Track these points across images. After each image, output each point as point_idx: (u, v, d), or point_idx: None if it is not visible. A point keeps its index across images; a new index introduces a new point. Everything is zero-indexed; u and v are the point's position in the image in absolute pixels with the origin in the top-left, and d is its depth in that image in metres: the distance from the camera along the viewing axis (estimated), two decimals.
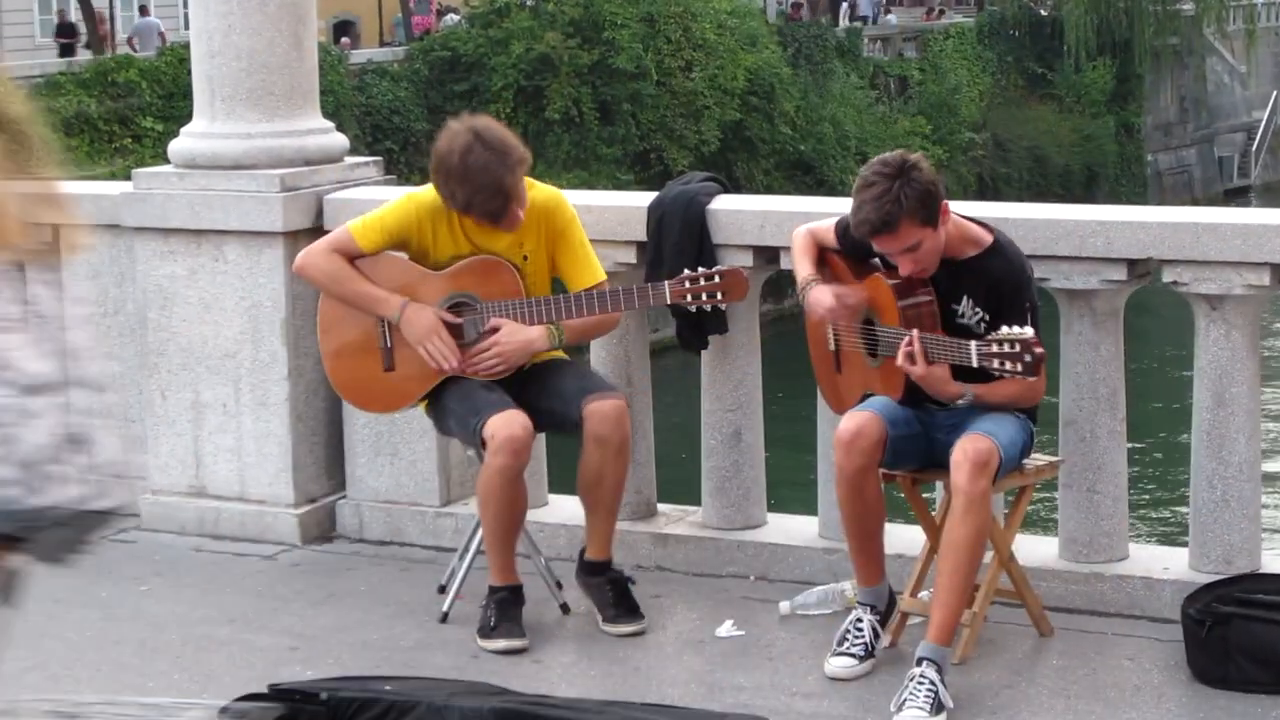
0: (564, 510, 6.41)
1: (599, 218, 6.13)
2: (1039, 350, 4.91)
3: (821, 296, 5.32)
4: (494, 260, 5.61)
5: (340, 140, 6.89)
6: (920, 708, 4.85)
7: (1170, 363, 24.17)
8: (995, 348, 4.95)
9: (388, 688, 4.81)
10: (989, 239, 5.24)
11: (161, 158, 8.64)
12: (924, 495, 5.48)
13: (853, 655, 5.23)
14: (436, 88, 31.64)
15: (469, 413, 5.50)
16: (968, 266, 5.21)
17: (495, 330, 5.57)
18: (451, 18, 36.82)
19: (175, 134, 6.94)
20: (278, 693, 4.83)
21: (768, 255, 6.05)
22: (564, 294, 5.62)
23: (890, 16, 46.53)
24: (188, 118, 6.88)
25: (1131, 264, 5.58)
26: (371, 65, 31.45)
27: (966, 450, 5.01)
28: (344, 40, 38.66)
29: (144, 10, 38.11)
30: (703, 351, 6.19)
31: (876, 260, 5.32)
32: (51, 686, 5.30)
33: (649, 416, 6.40)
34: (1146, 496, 19.38)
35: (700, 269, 5.59)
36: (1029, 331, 4.94)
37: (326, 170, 6.72)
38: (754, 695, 5.11)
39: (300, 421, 6.62)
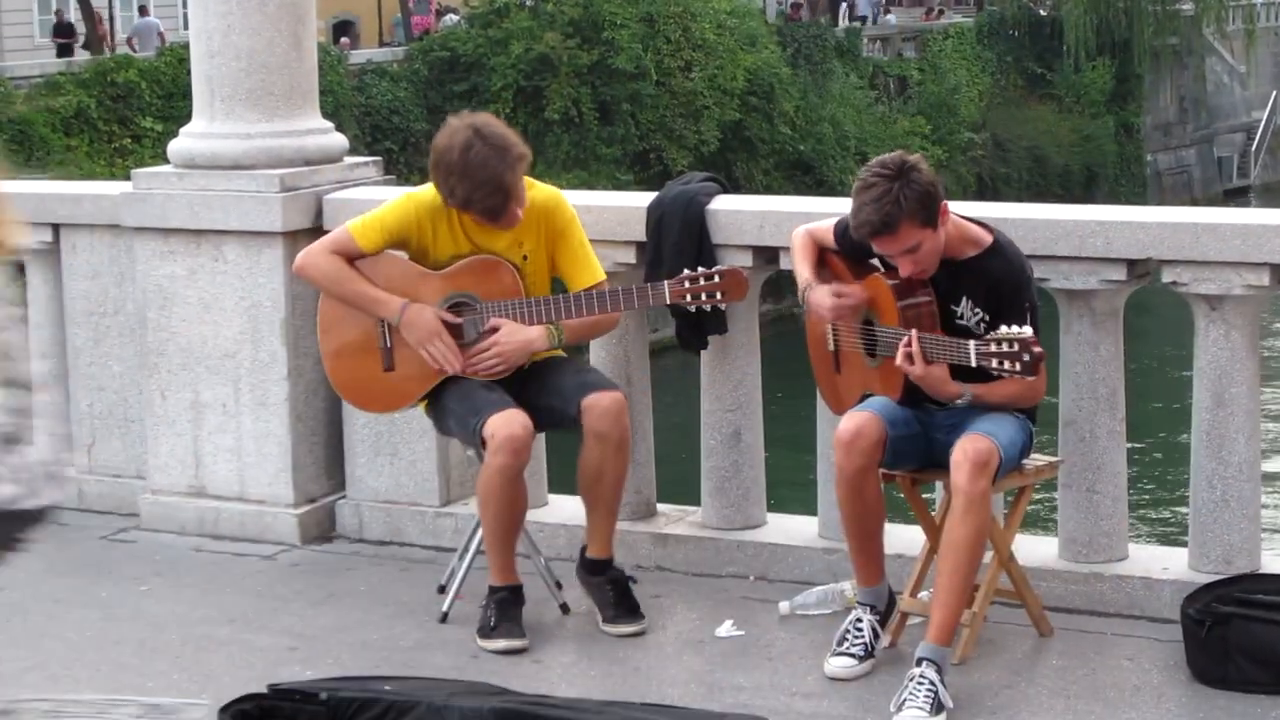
0: (564, 510, 6.41)
1: (599, 218, 6.14)
2: (1037, 350, 4.91)
3: (822, 299, 5.32)
4: (494, 260, 5.61)
5: (340, 140, 6.90)
6: (920, 708, 4.85)
7: (1170, 363, 24.18)
8: (994, 347, 4.95)
9: (387, 688, 4.81)
10: (989, 239, 5.25)
11: (161, 158, 8.65)
12: (924, 495, 5.48)
13: (852, 655, 5.23)
14: (436, 88, 31.65)
15: (469, 412, 5.50)
16: (967, 267, 5.21)
17: (495, 330, 5.57)
18: (451, 18, 36.83)
19: (175, 134, 6.94)
20: (278, 693, 4.84)
21: (767, 255, 6.05)
22: (563, 294, 5.62)
23: (890, 16, 46.52)
24: (187, 118, 6.88)
25: (1131, 264, 5.58)
26: (371, 65, 31.46)
27: (966, 450, 5.01)
28: (343, 40, 38.66)
29: (143, 10, 38.11)
30: (702, 351, 6.19)
31: (876, 260, 5.32)
32: (51, 686, 5.30)
33: (649, 416, 6.40)
34: (1146, 496, 19.38)
35: (700, 269, 5.59)
36: (1027, 331, 4.94)
37: (326, 170, 6.72)
38: (754, 695, 5.11)
39: (300, 421, 6.62)
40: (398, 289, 5.61)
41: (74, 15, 36.94)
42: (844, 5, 46.01)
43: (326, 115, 7.00)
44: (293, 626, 5.79)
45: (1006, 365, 4.93)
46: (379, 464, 6.66)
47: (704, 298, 5.52)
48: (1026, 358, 4.91)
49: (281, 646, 5.61)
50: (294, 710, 4.75)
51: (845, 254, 5.42)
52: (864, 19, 44.87)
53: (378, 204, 5.88)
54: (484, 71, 31.80)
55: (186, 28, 7.87)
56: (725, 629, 5.62)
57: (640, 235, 6.15)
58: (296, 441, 6.62)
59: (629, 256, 6.20)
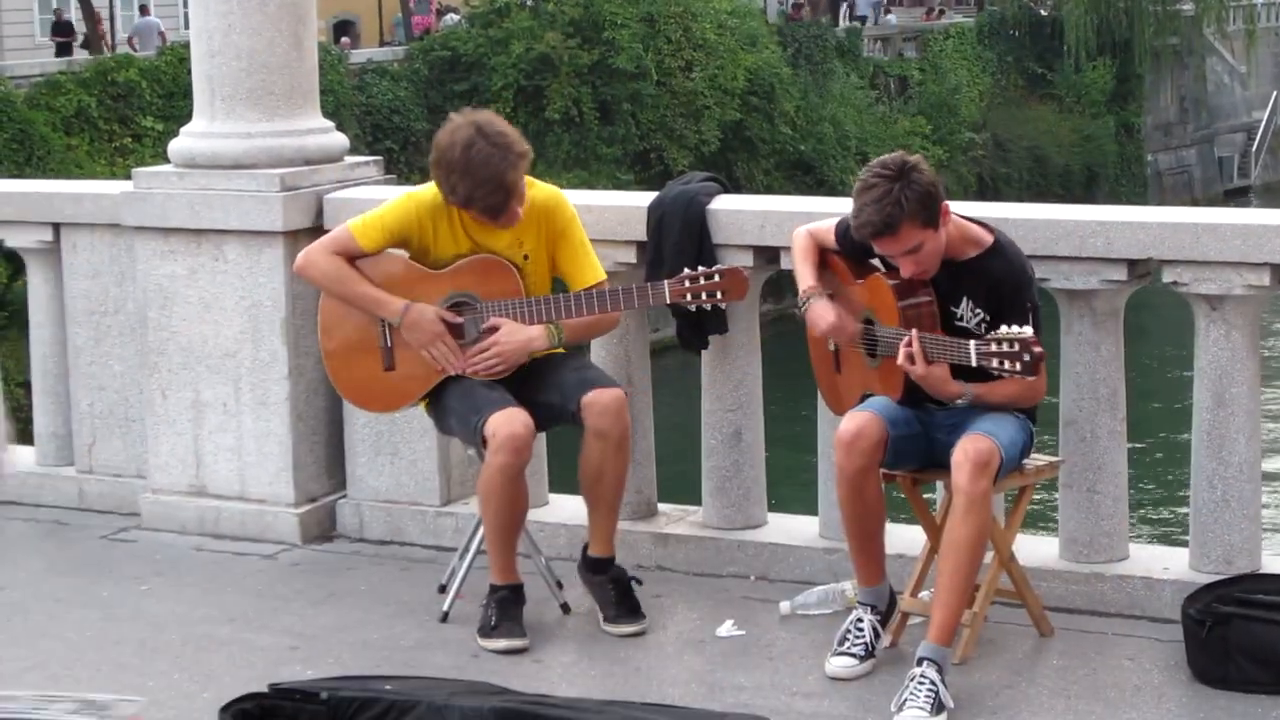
0: (564, 509, 6.41)
1: (599, 217, 6.14)
2: (1038, 350, 4.91)
3: (824, 312, 5.33)
4: (494, 259, 5.61)
5: (340, 140, 6.90)
6: (921, 708, 4.85)
7: (1170, 362, 24.18)
8: (994, 347, 4.95)
9: (388, 687, 4.81)
10: (989, 239, 5.25)
11: (161, 157, 8.65)
12: (924, 495, 5.48)
13: (853, 655, 5.23)
14: (436, 87, 31.65)
15: (470, 411, 5.50)
16: (968, 267, 5.21)
17: (494, 329, 5.56)
18: (451, 17, 36.82)
19: (175, 133, 6.94)
20: (278, 692, 4.83)
21: (768, 255, 6.05)
22: (563, 293, 5.62)
23: (890, 16, 46.53)
24: (188, 117, 6.88)
25: (1131, 264, 5.58)
26: (371, 65, 31.47)
27: (967, 450, 5.01)
28: (344, 40, 38.66)
29: (144, 10, 38.11)
30: (703, 351, 6.19)
31: (877, 260, 5.32)
32: (51, 686, 5.30)
33: (649, 416, 6.40)
34: (1147, 496, 19.39)
35: (700, 268, 5.58)
36: (1028, 331, 4.94)
37: (326, 170, 6.72)
38: (754, 695, 5.11)
39: (300, 421, 6.62)
40: (398, 288, 5.61)
41: (74, 15, 36.94)
42: (844, 5, 45.99)
43: (327, 115, 7.00)
44: (293, 626, 5.79)
45: (1007, 365, 4.93)
46: (379, 463, 6.66)
47: (704, 297, 5.52)
48: (1027, 358, 4.91)
49: (282, 646, 5.61)
50: (295, 710, 4.75)
51: (846, 254, 5.42)
52: (864, 19, 44.86)
53: (378, 203, 5.88)
54: (484, 71, 31.81)
55: (187, 27, 7.86)
56: (726, 629, 5.62)
57: (641, 235, 6.15)
58: (297, 441, 6.62)
59: (629, 256, 6.20)
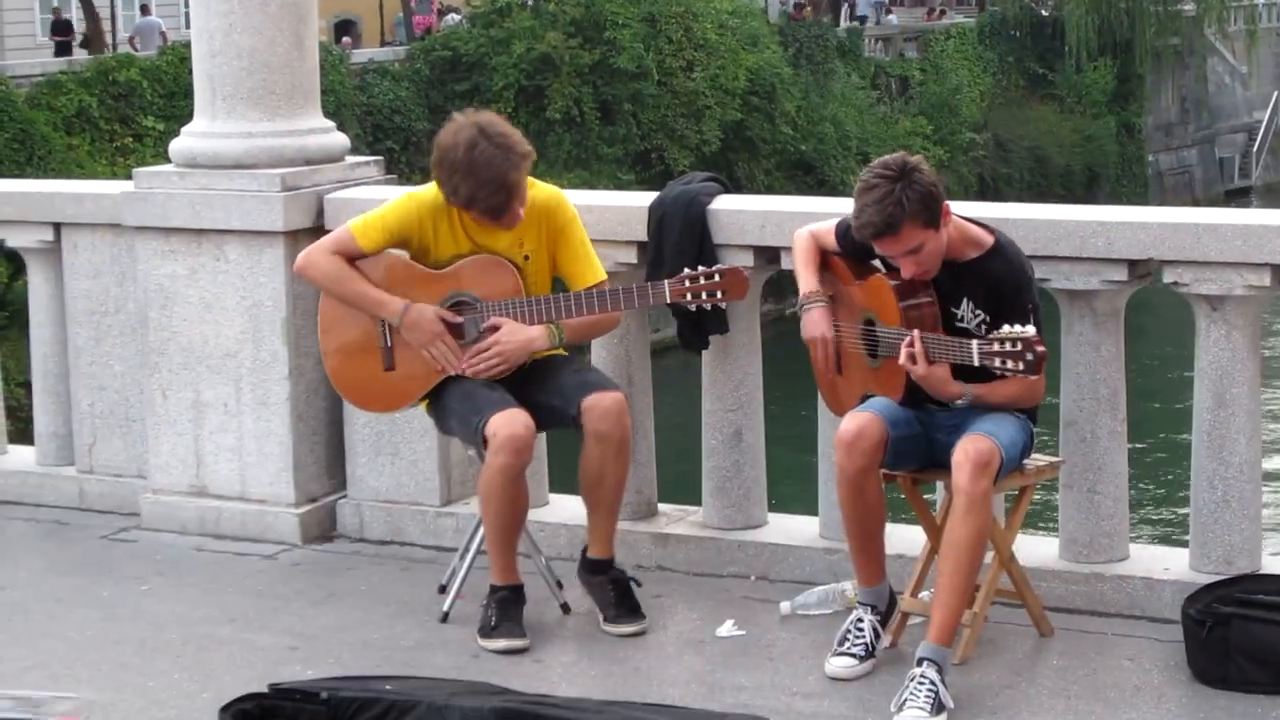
0: (565, 510, 6.41)
1: (600, 218, 6.14)
2: (1040, 349, 4.91)
3: (817, 321, 5.34)
4: (494, 259, 5.61)
5: (341, 140, 6.90)
6: (921, 708, 4.85)
7: (1171, 363, 24.17)
8: (997, 346, 4.95)
9: (388, 687, 4.81)
10: (990, 240, 5.25)
11: (162, 157, 8.65)
12: (925, 496, 5.48)
13: (853, 655, 5.23)
14: (437, 87, 31.66)
15: (470, 412, 5.50)
16: (969, 268, 5.21)
17: (495, 329, 5.56)
18: (453, 17, 36.84)
19: (176, 133, 6.94)
20: (279, 692, 4.84)
21: (768, 255, 6.05)
22: (563, 293, 5.62)
23: (891, 16, 46.53)
24: (189, 117, 6.88)
25: (1132, 264, 5.58)
26: (372, 65, 31.48)
27: (968, 451, 5.01)
28: (345, 40, 38.67)
29: (145, 9, 38.12)
30: (703, 351, 6.19)
31: (877, 261, 5.32)
32: (52, 686, 5.30)
33: (650, 416, 6.40)
34: (1147, 497, 19.38)
35: (700, 268, 5.58)
36: (1030, 330, 4.94)
37: (327, 170, 6.72)
38: (754, 695, 5.11)
39: (301, 421, 6.62)
40: (398, 288, 5.61)
41: (75, 14, 36.95)
42: (845, 5, 45.99)
43: (328, 115, 7.00)
44: (293, 626, 5.79)
45: (1010, 364, 4.93)
46: (380, 463, 6.66)
47: (704, 297, 5.51)
48: (1030, 356, 4.91)
49: (282, 646, 5.61)
50: (295, 710, 4.75)
51: (847, 255, 5.42)
52: (864, 19, 44.86)
53: (379, 203, 5.88)
54: (486, 71, 31.82)
55: (188, 27, 7.87)
56: (726, 629, 5.62)
57: (641, 235, 6.15)
58: (298, 441, 6.62)
59: (630, 256, 6.20)
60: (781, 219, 5.97)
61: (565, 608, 5.77)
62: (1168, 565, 5.73)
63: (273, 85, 6.60)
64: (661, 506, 6.48)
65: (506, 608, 5.54)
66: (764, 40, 35.30)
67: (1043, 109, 43.43)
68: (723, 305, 5.67)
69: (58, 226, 7.13)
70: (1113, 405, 5.71)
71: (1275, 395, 22.19)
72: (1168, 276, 5.55)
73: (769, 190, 31.47)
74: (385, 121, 30.50)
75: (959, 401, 5.17)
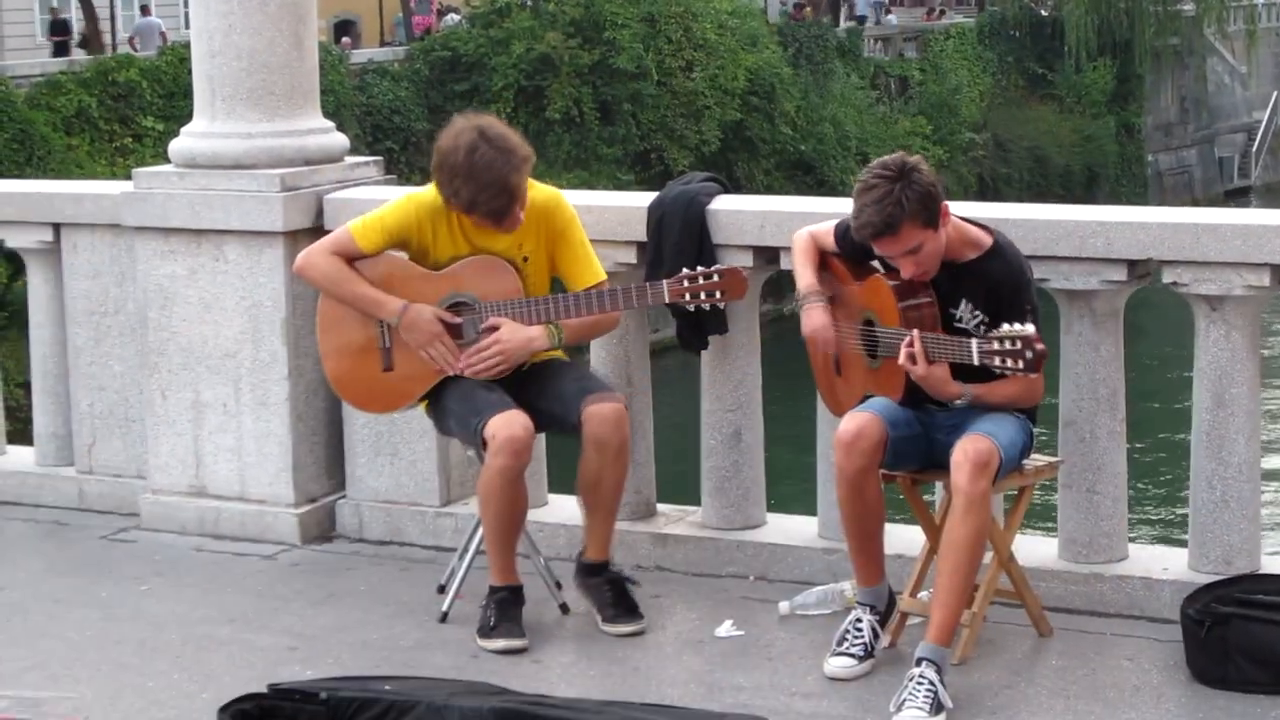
0: (564, 510, 6.41)
1: (599, 218, 6.14)
2: (1040, 347, 4.91)
3: (815, 316, 5.34)
4: (493, 260, 5.61)
5: (340, 140, 6.90)
6: (920, 708, 4.85)
7: (1170, 362, 24.17)
8: (996, 345, 4.95)
9: (387, 687, 4.81)
10: (989, 241, 5.25)
11: (162, 157, 8.65)
12: (924, 496, 5.49)
13: (852, 655, 5.23)
14: (437, 87, 31.66)
15: (470, 413, 5.50)
16: (968, 269, 5.21)
17: (495, 329, 5.56)
18: (452, 17, 36.83)
19: (176, 133, 6.94)
20: (278, 692, 4.84)
21: (768, 255, 6.05)
22: (562, 293, 5.62)
23: (891, 16, 46.54)
24: (188, 117, 6.88)
25: (1131, 264, 5.58)
26: (372, 65, 31.47)
27: (967, 451, 5.01)
28: (344, 40, 38.66)
29: (145, 10, 38.11)
30: (702, 352, 6.19)
31: (876, 262, 5.32)
32: (51, 686, 5.31)
33: (649, 416, 6.40)
34: (1146, 497, 19.38)
35: (699, 268, 5.58)
36: (1030, 328, 4.94)
37: (327, 170, 6.72)
38: (753, 695, 5.11)
39: (300, 421, 6.62)
40: (397, 289, 5.61)
41: (74, 14, 36.95)
42: (843, 6, 45.98)
43: (327, 115, 7.00)
44: (293, 626, 5.79)
45: (1009, 363, 4.93)
46: (379, 464, 6.66)
47: (703, 297, 5.51)
48: (1029, 355, 4.91)
49: (281, 646, 5.61)
50: (294, 710, 4.75)
51: (846, 255, 5.42)
52: (863, 19, 44.86)
53: (378, 204, 5.88)
54: (485, 71, 31.81)
55: (188, 27, 7.87)
56: (725, 629, 5.62)
57: (641, 235, 6.15)
58: (297, 441, 6.62)
59: (629, 256, 6.21)
60: (781, 219, 5.97)
61: (564, 608, 5.77)
62: (1167, 565, 5.73)
63: (272, 86, 6.60)
64: (660, 506, 6.48)
65: (505, 608, 5.54)
66: (763, 40, 35.29)
67: (1042, 109, 43.44)
68: (722, 305, 5.67)
69: (57, 227, 7.13)
70: (1112, 405, 5.71)
71: (1274, 395, 22.20)
72: (1167, 276, 5.55)
73: (768, 190, 31.47)
74: (385, 122, 30.50)
75: (958, 401, 5.17)
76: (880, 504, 5.29)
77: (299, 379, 6.59)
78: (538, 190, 5.66)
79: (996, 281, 5.18)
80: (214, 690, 5.15)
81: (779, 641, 5.53)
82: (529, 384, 5.61)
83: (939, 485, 5.43)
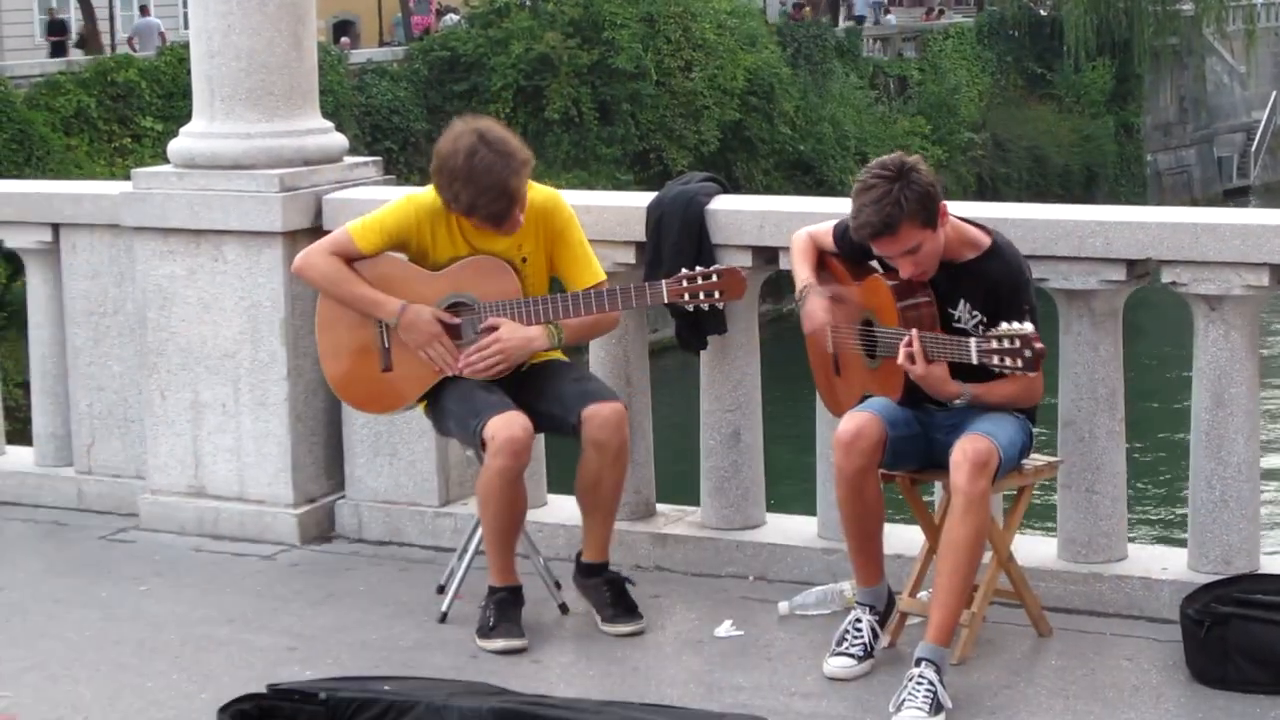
0: (563, 510, 6.41)
1: (598, 218, 6.14)
2: (1038, 345, 4.91)
3: (813, 311, 5.33)
4: (492, 260, 5.61)
5: (339, 140, 6.90)
6: (919, 708, 4.85)
7: (1169, 362, 24.18)
8: (995, 344, 4.95)
9: (387, 688, 4.81)
10: (987, 241, 5.25)
11: (161, 157, 8.64)
12: (924, 496, 5.48)
13: (851, 655, 5.23)
14: (436, 88, 31.66)
15: (469, 414, 5.50)
16: (966, 269, 5.21)
17: (494, 329, 5.56)
18: (451, 17, 36.83)
19: (175, 134, 6.94)
20: (277, 693, 4.84)
21: (767, 255, 6.05)
22: (561, 293, 5.62)
23: (890, 16, 46.54)
24: (187, 117, 6.88)
25: (1130, 264, 5.58)
26: (371, 65, 31.46)
27: (966, 450, 5.01)
28: (343, 40, 38.66)
29: (144, 10, 38.11)
30: (702, 352, 6.19)
31: (875, 262, 5.32)
32: (51, 686, 5.31)
33: (648, 416, 6.40)
34: (1145, 497, 19.38)
35: (698, 268, 5.58)
36: (1028, 327, 4.94)
37: (326, 170, 6.72)
38: (753, 695, 5.11)
39: (299, 421, 6.62)
40: (396, 289, 5.61)
41: (74, 14, 36.94)
42: (842, 6, 45.97)
43: (326, 115, 7.00)
44: (292, 626, 5.79)
45: (1008, 361, 4.93)
46: (378, 464, 6.66)
47: (702, 297, 5.51)
48: (1028, 353, 4.91)
49: (281, 646, 5.61)
50: (293, 710, 4.75)
51: (845, 256, 5.42)
52: (861, 19, 44.86)
53: (377, 204, 5.88)
54: (484, 71, 31.81)
55: (187, 27, 7.86)
56: (724, 629, 5.62)
57: (640, 235, 6.15)
58: (296, 441, 6.62)
59: (629, 256, 6.21)
60: (780, 219, 5.97)
61: (564, 608, 5.77)
62: (1166, 565, 5.73)
63: (271, 86, 6.60)
64: (660, 507, 6.48)
65: (505, 608, 5.54)
66: (762, 40, 35.30)
67: (1041, 109, 43.45)
68: (720, 305, 5.66)
69: (56, 227, 7.12)
70: (1111, 405, 5.71)
71: (1273, 395, 22.20)
72: (1166, 276, 5.55)
73: (767, 190, 31.47)
74: (384, 122, 30.50)
75: (958, 401, 5.17)
76: (879, 504, 5.29)
77: (298, 379, 6.59)
78: (536, 191, 5.65)
79: (995, 281, 5.18)
80: (213, 690, 5.15)
81: (778, 641, 5.53)
82: (528, 385, 5.61)
83: (938, 485, 5.43)
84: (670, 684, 5.23)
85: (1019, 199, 34.14)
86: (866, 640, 5.26)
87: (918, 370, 5.08)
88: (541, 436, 6.13)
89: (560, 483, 6.40)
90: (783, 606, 5.73)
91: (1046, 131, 42.29)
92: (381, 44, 39.83)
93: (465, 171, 5.43)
